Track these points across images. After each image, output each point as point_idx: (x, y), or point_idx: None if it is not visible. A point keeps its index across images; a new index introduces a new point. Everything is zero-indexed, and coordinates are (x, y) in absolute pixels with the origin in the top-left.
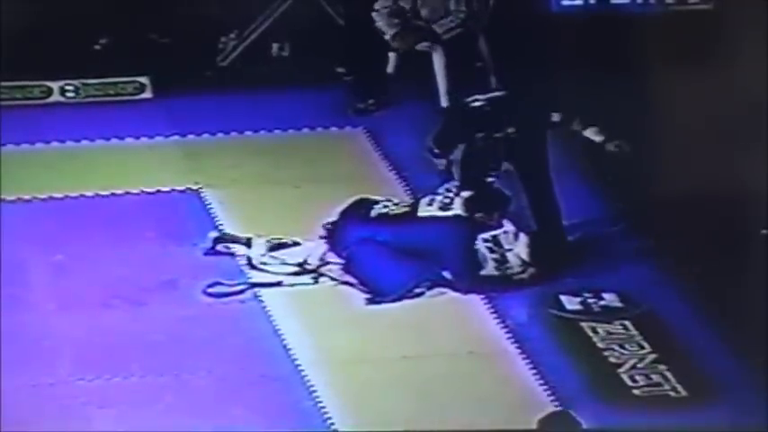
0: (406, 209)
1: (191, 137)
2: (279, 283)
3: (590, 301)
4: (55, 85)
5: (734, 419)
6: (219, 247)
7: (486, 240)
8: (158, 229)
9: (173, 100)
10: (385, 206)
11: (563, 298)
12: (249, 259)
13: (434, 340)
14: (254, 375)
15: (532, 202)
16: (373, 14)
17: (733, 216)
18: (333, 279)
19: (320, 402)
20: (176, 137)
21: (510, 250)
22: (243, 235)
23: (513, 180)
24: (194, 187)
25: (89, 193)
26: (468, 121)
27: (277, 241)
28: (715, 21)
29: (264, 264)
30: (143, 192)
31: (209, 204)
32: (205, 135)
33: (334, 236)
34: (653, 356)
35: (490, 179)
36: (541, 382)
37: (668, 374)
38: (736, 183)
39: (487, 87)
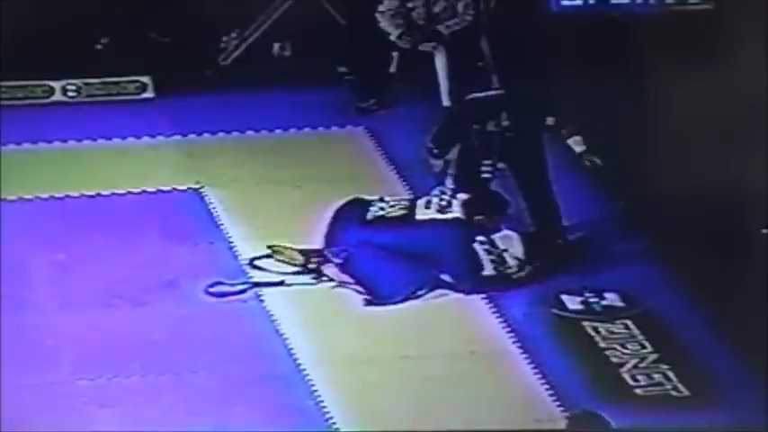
0: (403, 211)
1: (192, 136)
2: (280, 283)
3: (592, 300)
4: (57, 85)
5: (735, 419)
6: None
7: (482, 243)
8: (160, 228)
9: (174, 99)
10: (381, 207)
11: (564, 297)
12: (251, 259)
13: (435, 340)
14: (256, 375)
15: (530, 203)
16: (377, 15)
17: (733, 216)
18: (333, 279)
19: (321, 402)
20: (178, 136)
21: (506, 250)
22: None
23: (511, 180)
24: (196, 187)
25: (91, 193)
26: (465, 117)
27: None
28: (715, 21)
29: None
30: (144, 191)
31: (211, 204)
32: (206, 134)
33: (331, 234)
34: (654, 356)
35: (486, 177)
36: (543, 381)
37: (670, 374)
38: (737, 183)
39: (489, 87)
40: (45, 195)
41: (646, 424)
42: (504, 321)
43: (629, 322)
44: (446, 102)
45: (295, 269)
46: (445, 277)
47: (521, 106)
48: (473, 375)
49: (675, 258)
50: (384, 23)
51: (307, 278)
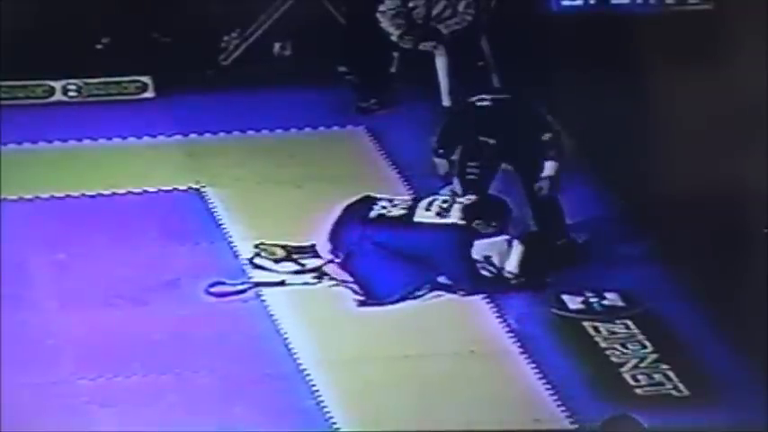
0: (404, 211)
1: (193, 136)
2: (281, 283)
3: (592, 300)
4: (57, 85)
5: (735, 419)
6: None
7: (478, 261)
8: (160, 228)
9: (175, 99)
10: (383, 206)
11: (565, 297)
12: (251, 259)
13: (436, 340)
14: (256, 375)
15: (532, 203)
16: (378, 15)
17: (734, 215)
18: (333, 279)
19: (322, 401)
20: (178, 136)
21: (502, 269)
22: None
23: (513, 181)
24: (196, 186)
25: (91, 193)
26: (472, 121)
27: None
28: (715, 21)
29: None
30: (145, 191)
31: (212, 204)
32: (207, 134)
33: (336, 232)
34: (655, 356)
35: (489, 181)
36: (543, 381)
37: (670, 374)
38: (737, 183)
39: (489, 87)
40: (45, 195)
41: (646, 424)
42: (505, 321)
43: (629, 322)
44: (446, 102)
45: (296, 268)
46: (443, 279)
47: (523, 107)
48: (473, 375)
49: (676, 258)
50: (385, 23)
51: (307, 278)
